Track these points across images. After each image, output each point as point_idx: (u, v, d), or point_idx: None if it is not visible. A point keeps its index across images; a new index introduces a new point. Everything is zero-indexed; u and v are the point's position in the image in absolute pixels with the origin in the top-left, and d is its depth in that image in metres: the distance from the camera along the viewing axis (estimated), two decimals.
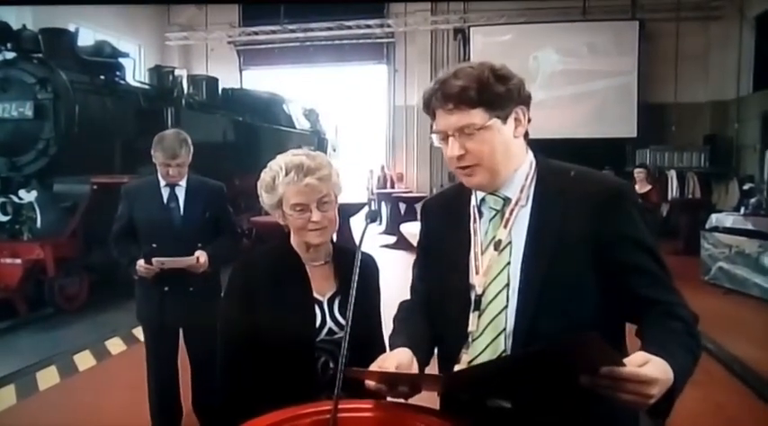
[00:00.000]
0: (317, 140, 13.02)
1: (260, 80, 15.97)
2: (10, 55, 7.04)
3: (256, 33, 15.96)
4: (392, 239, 11.41)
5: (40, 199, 6.68)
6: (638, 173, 8.20)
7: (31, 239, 6.56)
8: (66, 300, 6.71)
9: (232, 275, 1.79)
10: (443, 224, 1.50)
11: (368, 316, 1.63)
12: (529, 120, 1.39)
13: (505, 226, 1.37)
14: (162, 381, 3.39)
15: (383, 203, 14.45)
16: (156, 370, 3.39)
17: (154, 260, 3.14)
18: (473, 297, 1.37)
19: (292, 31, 15.63)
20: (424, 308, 1.52)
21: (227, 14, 16.23)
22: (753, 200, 8.98)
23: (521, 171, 1.38)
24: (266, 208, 1.77)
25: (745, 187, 10.85)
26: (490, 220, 1.40)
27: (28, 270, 6.38)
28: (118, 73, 8.16)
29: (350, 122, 16.47)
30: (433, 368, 1.45)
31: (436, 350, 1.49)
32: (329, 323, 1.71)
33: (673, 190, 12.62)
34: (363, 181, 15.71)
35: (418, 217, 1.68)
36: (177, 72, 9.67)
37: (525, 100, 1.37)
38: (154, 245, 3.19)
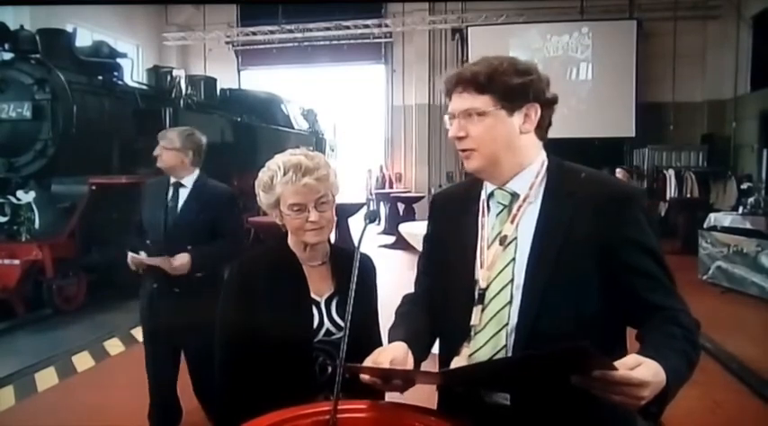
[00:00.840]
0: (315, 140, 13.01)
1: (258, 80, 15.97)
2: (8, 55, 7.03)
3: (254, 33, 15.94)
4: (391, 239, 11.41)
5: (38, 199, 6.67)
6: (618, 173, 8.28)
7: (29, 240, 6.56)
8: (64, 301, 6.70)
9: (229, 276, 1.79)
10: (452, 217, 1.51)
11: (366, 317, 1.64)
12: (549, 123, 1.41)
13: (512, 222, 1.38)
14: (157, 380, 3.36)
15: (382, 203, 14.45)
16: (150, 369, 3.37)
17: (130, 254, 3.13)
18: (477, 291, 1.38)
19: (290, 31, 15.61)
20: (427, 301, 1.53)
21: (224, 15, 16.22)
22: (751, 200, 8.99)
23: (531, 168, 1.40)
24: (264, 208, 1.77)
25: (744, 186, 10.87)
26: (497, 215, 1.41)
27: (26, 271, 6.37)
28: (116, 73, 8.15)
29: (348, 122, 16.46)
30: (433, 361, 1.46)
31: (438, 342, 1.50)
32: (327, 323, 1.72)
33: (671, 189, 12.63)
34: (362, 182, 15.70)
35: (427, 211, 1.70)
36: (175, 72, 9.64)
37: (543, 99, 1.37)
38: (147, 242, 3.19)
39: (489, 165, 1.38)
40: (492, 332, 1.36)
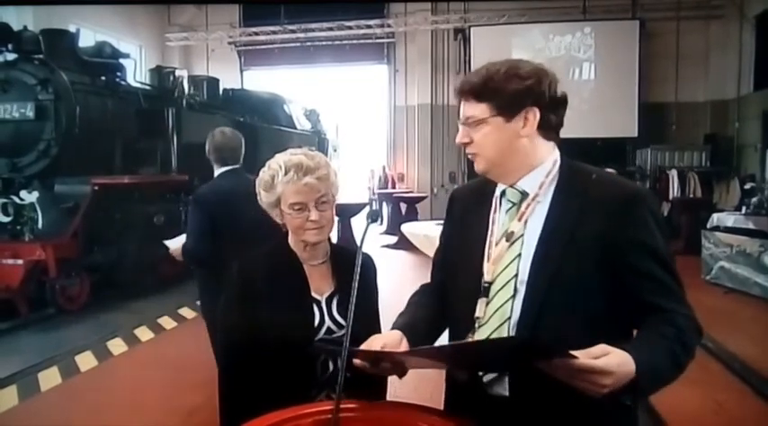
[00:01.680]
0: (317, 140, 13.01)
1: (261, 80, 15.97)
2: (11, 56, 7.04)
3: (257, 34, 15.95)
4: (393, 239, 11.41)
5: (42, 199, 6.69)
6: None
7: (32, 240, 6.57)
8: (67, 301, 6.71)
9: (230, 276, 1.80)
10: (466, 211, 1.55)
11: (366, 316, 1.64)
12: (560, 123, 1.43)
13: (519, 219, 1.41)
14: None
15: (384, 203, 14.45)
16: None
17: None
18: (482, 284, 1.41)
19: (293, 31, 15.61)
20: (438, 292, 1.58)
21: (227, 15, 16.22)
22: (754, 200, 8.96)
23: (541, 167, 1.42)
24: (264, 207, 1.78)
25: (747, 186, 10.83)
26: (507, 212, 1.45)
27: (29, 271, 6.39)
28: (119, 73, 8.16)
29: (351, 122, 16.45)
30: None
31: (447, 333, 1.54)
32: (327, 322, 1.72)
33: (674, 189, 12.61)
34: (364, 182, 15.70)
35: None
36: (178, 72, 9.66)
37: (544, 102, 1.38)
38: None
39: (494, 168, 1.43)
40: (495, 325, 1.39)
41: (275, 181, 1.71)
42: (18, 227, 6.66)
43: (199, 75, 11.58)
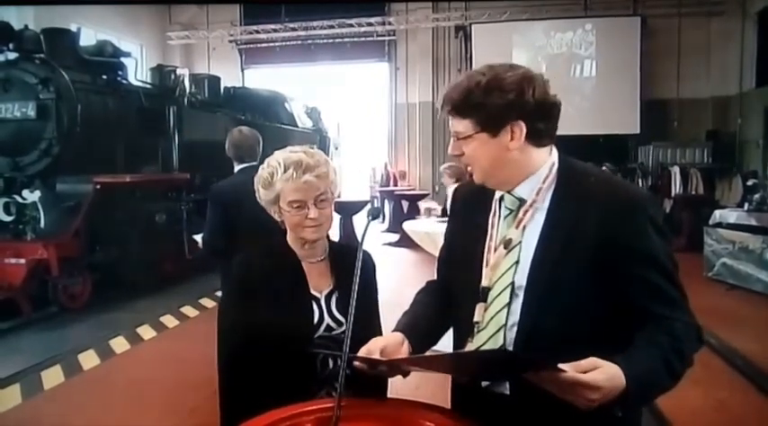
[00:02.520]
0: (319, 138, 13.00)
1: (262, 78, 15.97)
2: (12, 55, 7.03)
3: (258, 32, 15.95)
4: (395, 237, 11.40)
5: (44, 198, 6.69)
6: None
7: (34, 239, 6.58)
8: (69, 299, 6.72)
9: (229, 273, 1.80)
10: (468, 212, 1.53)
11: (366, 313, 1.64)
12: (553, 129, 1.39)
13: (517, 227, 1.39)
14: None
15: (385, 201, 14.45)
16: None
17: None
18: (481, 289, 1.40)
19: (294, 29, 15.61)
20: (442, 291, 1.57)
21: (228, 13, 16.22)
22: (756, 196, 8.93)
23: (537, 174, 1.38)
24: (263, 204, 1.78)
25: (749, 183, 10.81)
26: (504, 218, 1.42)
27: (32, 270, 6.39)
28: (120, 72, 8.15)
29: (352, 120, 16.45)
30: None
31: (451, 332, 1.53)
32: (327, 319, 1.72)
33: (676, 186, 12.59)
34: (366, 179, 15.69)
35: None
36: (179, 71, 9.65)
37: (529, 115, 1.33)
38: None
39: (489, 178, 1.41)
40: (493, 330, 1.38)
41: (274, 178, 1.70)
42: (20, 226, 6.67)
43: (200, 74, 11.58)
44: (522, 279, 1.35)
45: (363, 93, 16.93)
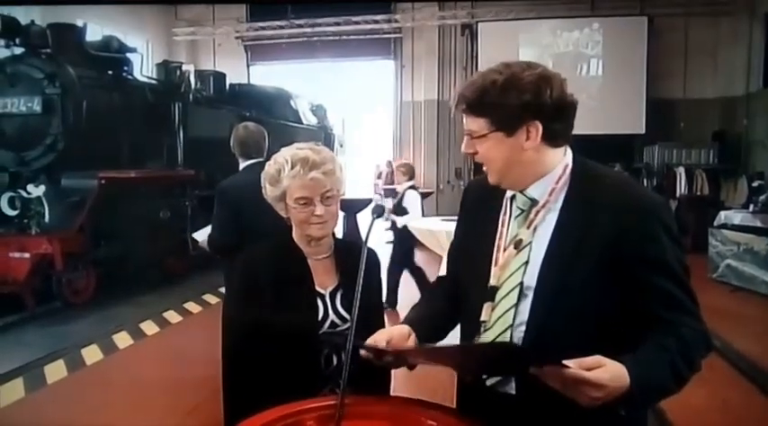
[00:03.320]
0: (324, 136, 13.01)
1: (267, 75, 15.95)
2: (18, 50, 7.06)
3: (264, 29, 15.94)
4: None
5: (48, 193, 6.71)
6: None
7: (39, 233, 6.60)
8: (73, 294, 6.74)
9: (235, 270, 1.80)
10: (479, 209, 1.52)
11: (370, 309, 1.64)
12: (569, 128, 1.36)
13: (528, 227, 1.38)
14: None
15: (390, 199, 14.42)
16: None
17: None
18: (489, 288, 1.39)
19: (299, 26, 15.60)
20: (451, 287, 1.56)
21: (234, 10, 16.21)
22: (762, 197, 8.91)
23: (551, 175, 1.37)
24: (269, 201, 1.77)
25: (754, 184, 10.77)
26: (516, 218, 1.41)
27: (36, 265, 6.42)
28: (125, 68, 8.17)
29: (357, 118, 16.44)
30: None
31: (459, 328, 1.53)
32: (331, 315, 1.73)
33: (681, 187, 12.54)
34: (370, 177, 15.68)
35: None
36: (185, 67, 9.65)
37: (546, 115, 1.31)
38: None
39: (503, 178, 1.39)
40: (500, 329, 1.37)
41: (281, 175, 1.70)
42: (25, 221, 6.70)
43: (205, 70, 11.58)
44: (531, 279, 1.34)
45: (369, 90, 16.90)
